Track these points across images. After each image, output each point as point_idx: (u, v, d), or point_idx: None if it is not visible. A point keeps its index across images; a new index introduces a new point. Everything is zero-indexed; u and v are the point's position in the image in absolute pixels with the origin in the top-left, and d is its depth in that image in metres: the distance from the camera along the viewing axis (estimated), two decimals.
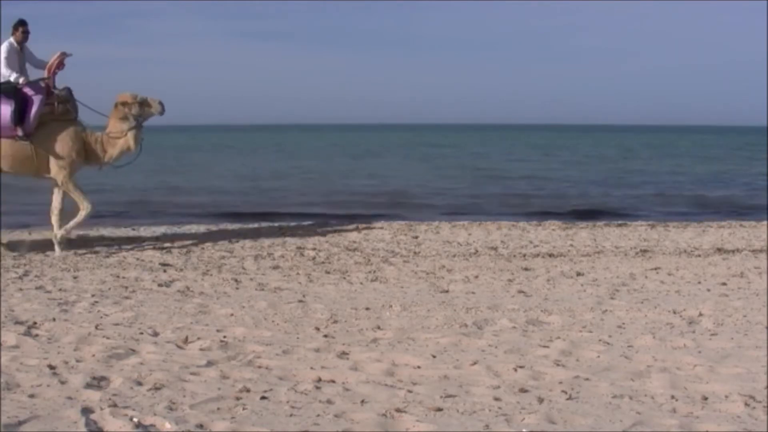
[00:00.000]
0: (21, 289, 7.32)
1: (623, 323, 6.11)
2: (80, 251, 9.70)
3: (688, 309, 6.56)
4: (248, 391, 4.40)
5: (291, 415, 4.05)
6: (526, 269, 8.61)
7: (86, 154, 9.96)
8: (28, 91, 9.64)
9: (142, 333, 5.72)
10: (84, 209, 9.77)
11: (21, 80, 9.61)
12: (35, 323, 5.95)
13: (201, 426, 3.89)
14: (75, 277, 8.01)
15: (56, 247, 9.65)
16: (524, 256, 9.62)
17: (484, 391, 4.43)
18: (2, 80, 9.63)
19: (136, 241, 10.62)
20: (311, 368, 4.84)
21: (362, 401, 4.26)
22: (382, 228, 12.22)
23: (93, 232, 11.46)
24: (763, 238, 11.22)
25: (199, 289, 7.50)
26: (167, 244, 10.37)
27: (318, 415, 4.05)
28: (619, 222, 13.93)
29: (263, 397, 4.30)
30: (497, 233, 11.71)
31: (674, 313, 6.44)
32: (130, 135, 9.95)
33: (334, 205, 18.50)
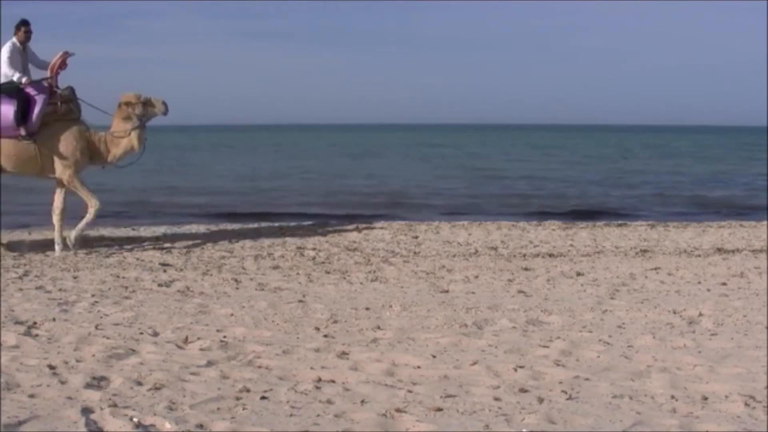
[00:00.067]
0: (21, 289, 7.32)
1: (623, 323, 6.11)
2: (80, 251, 9.70)
3: (688, 309, 6.56)
4: (248, 391, 4.40)
5: (291, 415, 4.05)
6: (526, 269, 8.61)
7: (90, 153, 9.97)
8: (30, 90, 9.64)
9: (142, 333, 5.72)
10: (92, 207, 9.78)
11: (24, 80, 9.62)
12: (35, 323, 5.95)
13: (201, 426, 3.89)
14: (75, 277, 8.01)
15: (56, 247, 9.65)
16: (524, 256, 9.62)
17: (484, 391, 4.43)
18: (5, 80, 9.64)
19: (136, 241, 10.62)
20: (311, 368, 4.84)
21: (362, 401, 4.26)
22: (382, 228, 12.22)
23: (93, 232, 11.45)
24: (763, 238, 11.22)
25: (199, 289, 7.50)
26: (167, 244, 10.37)
27: (318, 415, 4.05)
28: (619, 222, 13.93)
29: (263, 397, 4.30)
30: (497, 233, 11.71)
31: (674, 313, 6.44)
32: (134, 135, 9.95)
33: (334, 205, 18.51)
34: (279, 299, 6.98)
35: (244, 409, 4.13)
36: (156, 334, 5.69)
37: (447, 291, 7.44)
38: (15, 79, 9.59)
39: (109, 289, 7.43)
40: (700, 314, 6.39)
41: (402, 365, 4.95)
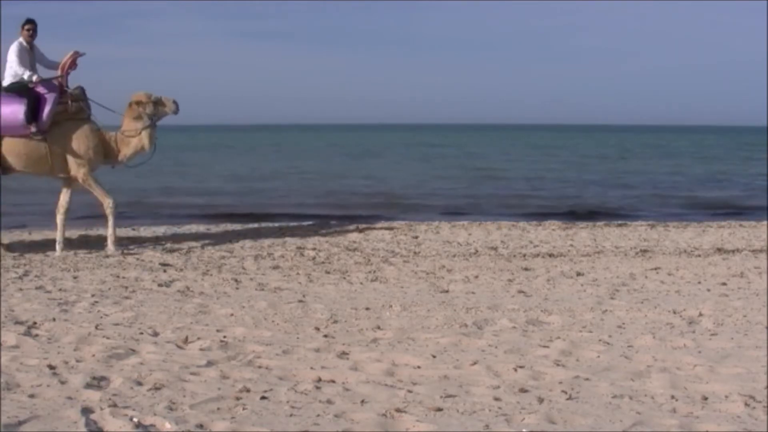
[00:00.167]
0: (21, 289, 7.32)
1: (623, 323, 6.11)
2: (80, 251, 9.71)
3: (688, 309, 6.56)
4: (248, 391, 4.40)
5: (291, 415, 4.05)
6: (526, 269, 8.61)
7: (103, 152, 9.98)
8: (41, 89, 9.64)
9: (142, 333, 5.72)
10: (108, 207, 9.79)
11: (34, 78, 9.62)
12: (35, 323, 5.95)
13: (201, 426, 3.89)
14: (75, 277, 8.01)
15: (57, 247, 9.67)
16: (524, 256, 9.62)
17: (484, 391, 4.43)
18: (15, 79, 9.64)
19: (136, 241, 10.62)
20: (311, 368, 4.84)
21: (362, 401, 4.26)
22: (382, 228, 12.23)
23: (93, 232, 11.47)
24: (763, 238, 11.23)
25: (199, 289, 7.50)
26: (167, 244, 10.38)
27: (318, 415, 4.05)
28: (619, 222, 13.95)
29: (263, 397, 4.30)
30: (497, 233, 11.71)
31: (674, 313, 6.45)
32: (144, 134, 9.96)
33: (334, 205, 18.52)
34: (279, 299, 6.98)
35: (244, 409, 4.13)
36: (156, 334, 5.70)
37: (447, 291, 7.44)
38: (25, 77, 9.59)
39: (109, 289, 7.43)
40: (700, 314, 6.39)
41: (402, 365, 4.95)
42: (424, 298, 7.06)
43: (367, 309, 6.57)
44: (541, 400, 4.28)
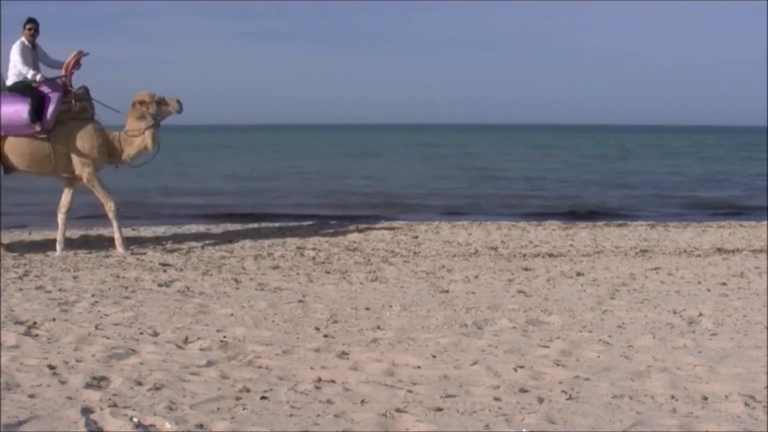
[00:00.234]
0: (21, 289, 7.32)
1: (623, 323, 6.11)
2: (80, 251, 9.71)
3: (688, 309, 6.56)
4: (248, 391, 4.40)
5: (291, 415, 4.05)
6: (526, 269, 8.61)
7: (107, 151, 9.98)
8: (45, 88, 9.63)
9: (142, 333, 5.72)
10: (109, 210, 9.79)
11: (38, 77, 9.62)
12: (35, 323, 5.95)
13: (201, 426, 3.89)
14: (75, 277, 8.01)
15: (57, 246, 9.67)
16: (524, 256, 9.62)
17: (484, 391, 4.43)
18: (19, 78, 9.64)
19: (136, 241, 10.62)
20: (311, 368, 4.84)
21: (362, 401, 4.26)
22: (382, 228, 12.23)
23: (92, 232, 11.47)
24: (763, 238, 11.23)
25: (199, 289, 7.50)
26: (167, 244, 10.38)
27: (318, 415, 4.05)
28: (619, 222, 13.95)
29: (263, 397, 4.30)
30: (497, 233, 11.71)
31: (674, 313, 6.45)
32: (148, 134, 9.96)
33: (334, 205, 18.52)
34: (279, 299, 6.98)
35: (244, 409, 4.13)
36: (156, 334, 5.70)
37: (447, 291, 7.44)
38: (29, 76, 9.59)
39: (109, 289, 7.43)
40: (700, 314, 6.39)
41: (402, 365, 4.95)
42: (424, 298, 7.06)
43: (367, 309, 6.57)
44: (541, 400, 4.28)
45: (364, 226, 12.48)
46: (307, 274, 8.30)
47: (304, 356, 5.13)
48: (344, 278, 8.06)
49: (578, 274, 8.33)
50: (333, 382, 4.61)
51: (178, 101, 10.04)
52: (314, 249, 10.04)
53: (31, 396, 4.29)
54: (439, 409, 4.14)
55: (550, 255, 9.69)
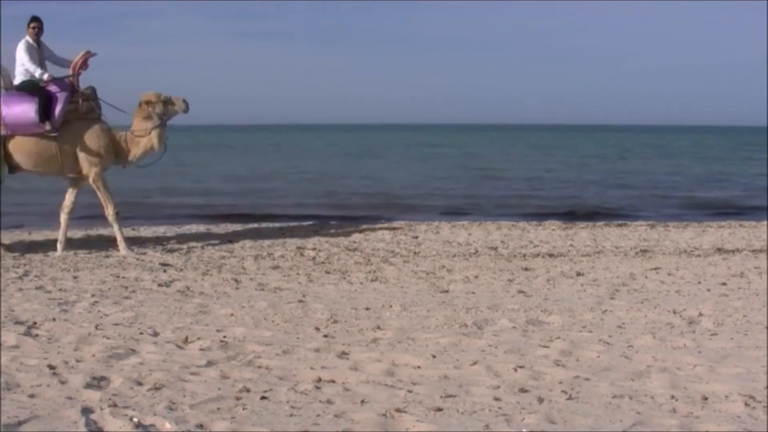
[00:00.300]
0: (21, 289, 7.32)
1: (623, 323, 6.11)
2: (80, 251, 9.71)
3: (688, 309, 6.56)
4: (248, 391, 4.40)
5: (291, 415, 4.05)
6: (526, 269, 8.61)
7: (113, 151, 9.98)
8: (52, 87, 9.63)
9: (142, 333, 5.72)
10: (110, 214, 9.80)
11: (45, 76, 9.61)
12: (35, 323, 5.95)
13: (201, 426, 3.89)
14: (75, 277, 8.01)
15: (58, 246, 9.67)
16: (524, 256, 9.62)
17: (484, 391, 4.43)
18: (27, 77, 9.63)
19: (136, 241, 10.62)
20: (311, 368, 4.84)
21: (362, 401, 4.26)
22: (382, 228, 12.23)
23: (93, 232, 11.47)
24: (763, 238, 11.23)
25: (199, 289, 7.50)
26: (167, 244, 10.38)
27: (318, 415, 4.05)
28: (619, 222, 13.95)
29: (263, 397, 4.30)
30: (497, 233, 11.71)
31: (674, 313, 6.45)
32: (154, 134, 9.96)
33: (334, 205, 18.52)
34: (279, 299, 6.98)
35: (244, 409, 4.13)
36: (156, 334, 5.70)
37: (447, 291, 7.44)
38: (36, 75, 9.59)
39: (109, 289, 7.43)
40: (700, 314, 6.39)
41: (402, 365, 4.95)
42: (424, 298, 7.06)
43: (367, 309, 6.57)
44: (541, 400, 4.28)
45: (364, 226, 12.48)
46: (307, 274, 8.30)
47: (304, 356, 5.13)
48: (344, 278, 8.06)
49: (578, 274, 8.33)
50: (333, 382, 4.61)
51: (185, 101, 10.04)
52: (314, 249, 10.05)
53: (31, 396, 4.29)
54: (439, 409, 4.14)
55: (550, 255, 9.69)
